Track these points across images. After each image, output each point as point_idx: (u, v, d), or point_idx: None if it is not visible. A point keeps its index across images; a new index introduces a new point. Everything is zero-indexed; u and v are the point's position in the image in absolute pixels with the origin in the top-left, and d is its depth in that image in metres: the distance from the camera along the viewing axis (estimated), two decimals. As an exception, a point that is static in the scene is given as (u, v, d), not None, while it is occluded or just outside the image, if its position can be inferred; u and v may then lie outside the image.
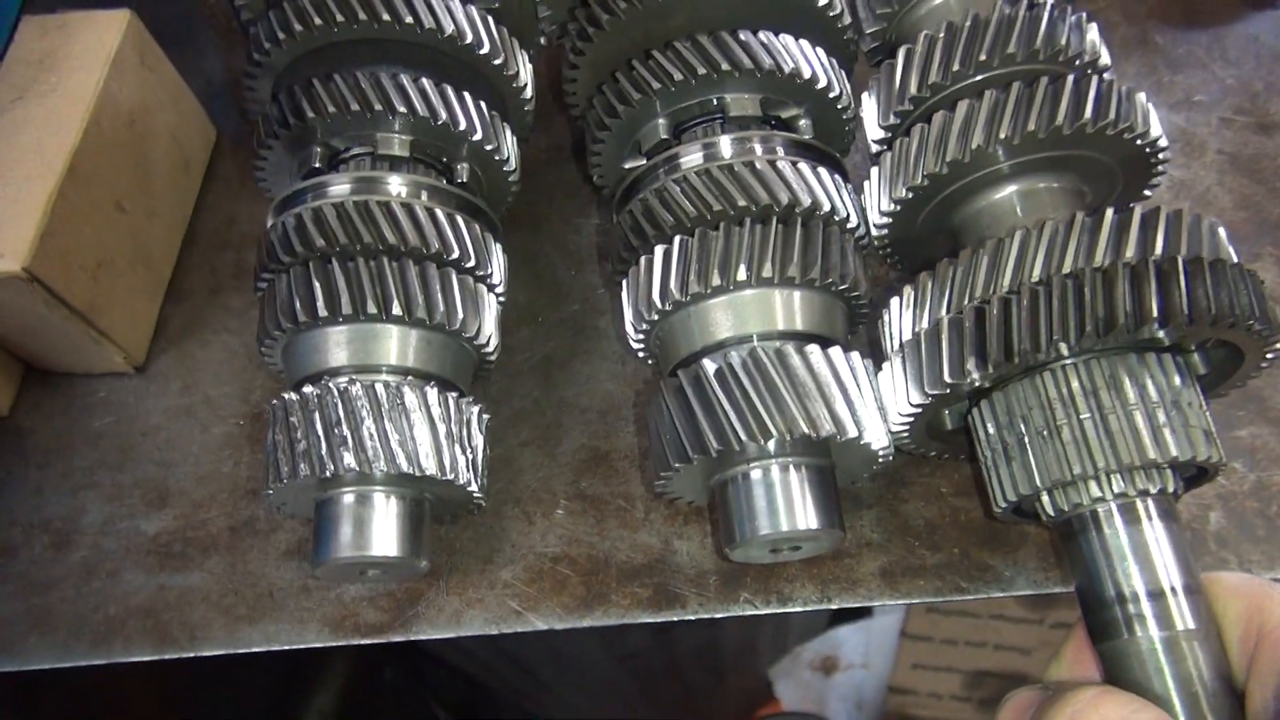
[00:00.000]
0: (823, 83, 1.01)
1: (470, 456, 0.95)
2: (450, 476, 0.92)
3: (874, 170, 0.98)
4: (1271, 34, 1.28)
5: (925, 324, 0.87)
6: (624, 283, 1.00)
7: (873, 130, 1.01)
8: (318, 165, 1.02)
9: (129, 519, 1.10)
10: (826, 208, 0.94)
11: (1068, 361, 0.81)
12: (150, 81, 1.22)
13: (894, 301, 0.92)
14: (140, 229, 1.19)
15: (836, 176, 0.99)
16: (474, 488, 0.95)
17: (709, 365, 0.89)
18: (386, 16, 0.99)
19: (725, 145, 0.97)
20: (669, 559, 1.02)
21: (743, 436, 0.85)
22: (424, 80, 1.01)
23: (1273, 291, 1.10)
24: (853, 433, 0.86)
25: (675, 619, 0.99)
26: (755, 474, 0.89)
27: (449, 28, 1.01)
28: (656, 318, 0.95)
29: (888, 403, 0.91)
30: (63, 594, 1.06)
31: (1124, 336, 0.77)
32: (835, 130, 1.06)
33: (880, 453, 0.90)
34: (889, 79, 0.97)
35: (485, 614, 1.01)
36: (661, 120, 1.02)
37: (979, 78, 0.92)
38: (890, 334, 0.92)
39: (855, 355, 0.91)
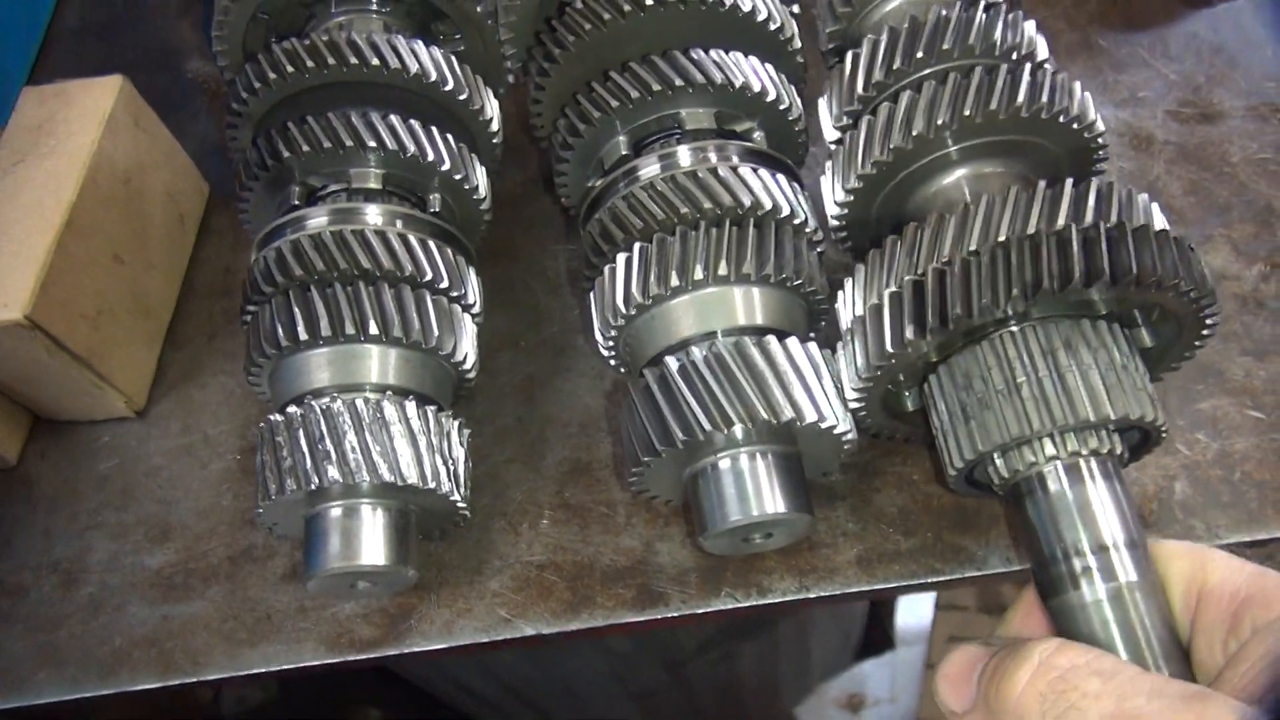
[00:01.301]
0: (772, 95, 1.06)
1: (451, 467, 0.99)
2: (432, 486, 0.96)
3: (828, 164, 1.03)
4: (1210, 30, 1.33)
5: (875, 299, 0.90)
6: (593, 292, 1.04)
7: (829, 132, 1.06)
8: (296, 203, 1.08)
9: (133, 555, 1.14)
10: (779, 209, 0.99)
11: (1009, 330, 0.84)
12: (144, 142, 1.29)
13: (847, 282, 0.96)
14: (138, 279, 1.25)
15: (790, 180, 1.03)
16: (456, 497, 0.98)
17: (672, 362, 0.93)
18: (354, 60, 1.06)
19: (682, 155, 1.02)
20: (651, 560, 1.05)
21: (706, 426, 0.89)
22: (393, 117, 1.07)
23: (1224, 270, 1.13)
24: (811, 417, 0.89)
25: (659, 617, 1.02)
26: (723, 464, 0.92)
27: (414, 68, 1.08)
28: (622, 322, 0.99)
29: (844, 380, 0.94)
30: (71, 630, 1.10)
31: (1051, 298, 0.81)
32: (788, 141, 1.11)
33: (843, 437, 0.93)
34: (839, 81, 1.03)
35: (475, 623, 1.04)
36: (622, 137, 1.08)
37: (920, 73, 0.97)
38: (844, 312, 0.96)
39: (812, 345, 0.95)
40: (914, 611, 3.01)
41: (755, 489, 0.91)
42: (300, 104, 1.10)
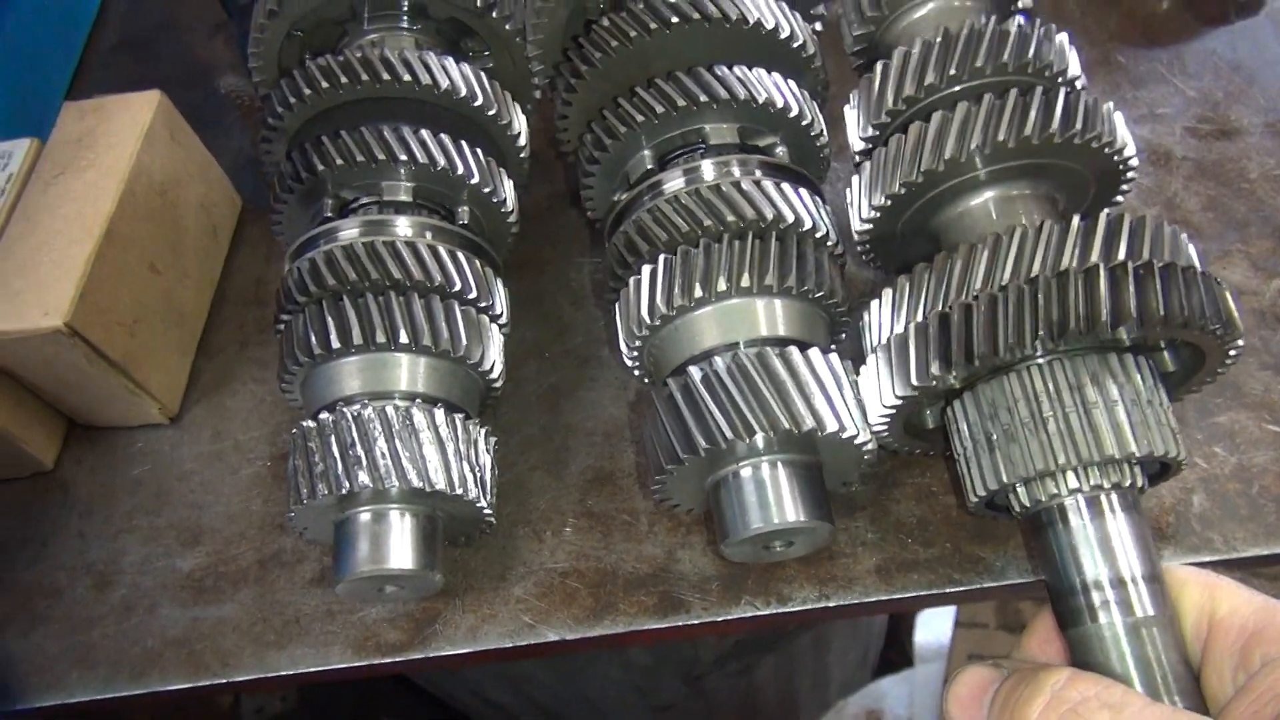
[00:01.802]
0: (795, 111, 1.08)
1: (478, 474, 1.01)
2: (459, 492, 0.98)
3: (854, 179, 1.04)
4: (1228, 47, 1.34)
5: (900, 327, 0.91)
6: (618, 303, 1.06)
7: (855, 142, 1.06)
8: (329, 215, 1.10)
9: (165, 558, 1.16)
10: (801, 222, 1.01)
11: (1037, 362, 0.85)
12: (180, 155, 1.32)
13: (874, 303, 0.97)
14: (173, 289, 1.29)
15: (812, 195, 1.05)
16: (482, 503, 1.00)
17: (695, 372, 0.95)
18: (387, 77, 1.09)
19: (706, 169, 1.05)
20: (672, 568, 1.06)
21: (728, 434, 0.90)
22: (424, 131, 1.10)
23: (1243, 285, 1.14)
24: (832, 427, 0.91)
25: (680, 624, 1.03)
26: (745, 472, 0.94)
27: (444, 84, 1.11)
28: (647, 333, 1.01)
29: (868, 400, 0.95)
30: (104, 630, 1.12)
31: (1079, 339, 0.82)
32: (810, 155, 1.13)
33: (864, 448, 0.95)
34: (867, 92, 1.03)
35: (500, 629, 1.06)
36: (647, 152, 1.10)
37: (951, 90, 0.97)
38: (870, 334, 0.97)
39: (834, 356, 0.96)
40: (933, 629, 3.00)
41: (777, 497, 0.93)
42: (334, 119, 1.13)
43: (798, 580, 1.03)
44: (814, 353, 0.95)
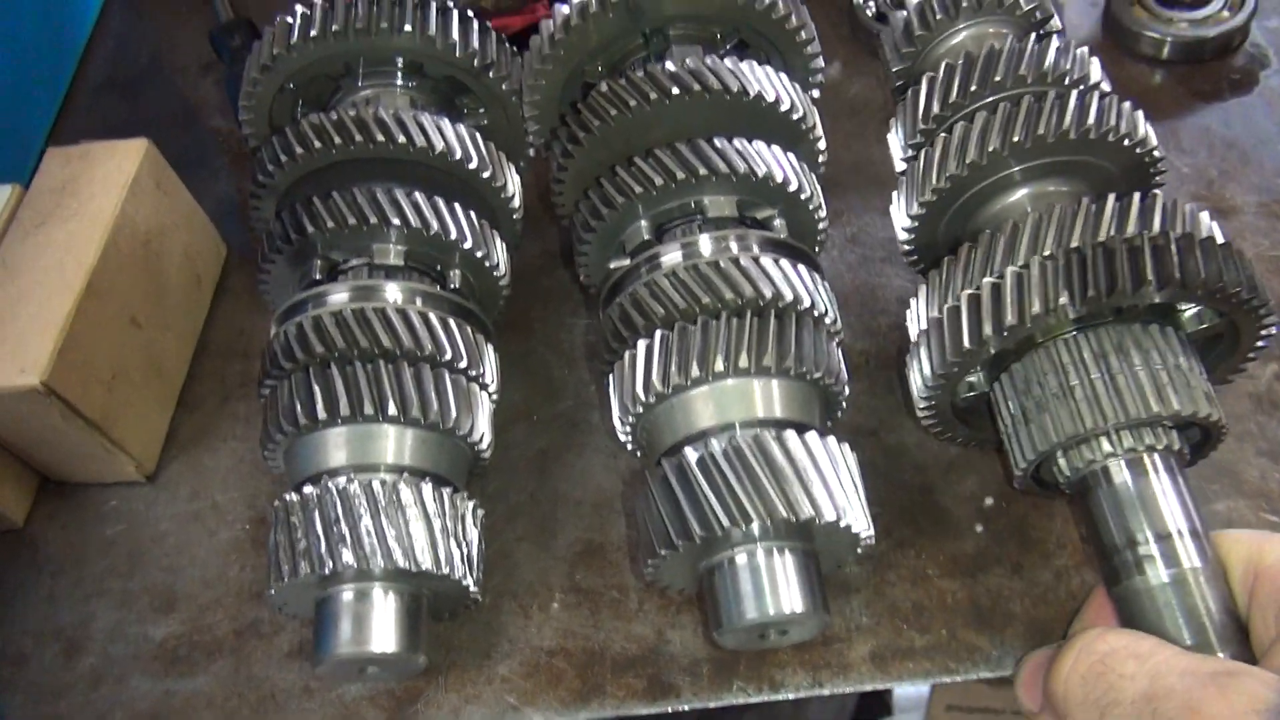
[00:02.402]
0: (794, 185, 1.07)
1: (465, 551, 0.98)
2: (446, 571, 0.95)
3: (900, 182, 1.08)
4: (1221, 124, 1.34)
5: (935, 312, 0.95)
6: (610, 377, 1.04)
7: (899, 151, 1.11)
8: (318, 277, 1.08)
9: (137, 624, 1.13)
10: (800, 300, 0.99)
11: (1078, 331, 0.89)
12: (165, 204, 1.30)
13: (913, 299, 1.02)
14: (153, 342, 1.25)
15: (810, 271, 1.04)
16: (469, 582, 0.98)
17: (691, 454, 0.93)
18: (381, 138, 1.07)
19: (704, 243, 1.03)
20: (663, 649, 1.04)
21: (724, 522, 0.88)
22: (416, 194, 1.08)
23: (1253, 372, 1.13)
24: (830, 515, 0.89)
25: (670, 709, 1.01)
26: (740, 559, 0.92)
27: (439, 145, 1.09)
28: (641, 410, 0.99)
29: (912, 386, 0.98)
30: (71, 701, 1.08)
31: (1124, 299, 0.84)
32: (808, 230, 1.12)
33: (861, 535, 0.93)
34: (914, 103, 1.08)
35: (483, 710, 1.03)
36: (644, 222, 1.08)
37: (994, 97, 1.02)
38: (915, 321, 1.00)
39: (831, 440, 0.95)
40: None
41: (772, 586, 0.90)
42: (325, 178, 1.10)
43: (790, 666, 1.01)
44: (811, 437, 0.93)
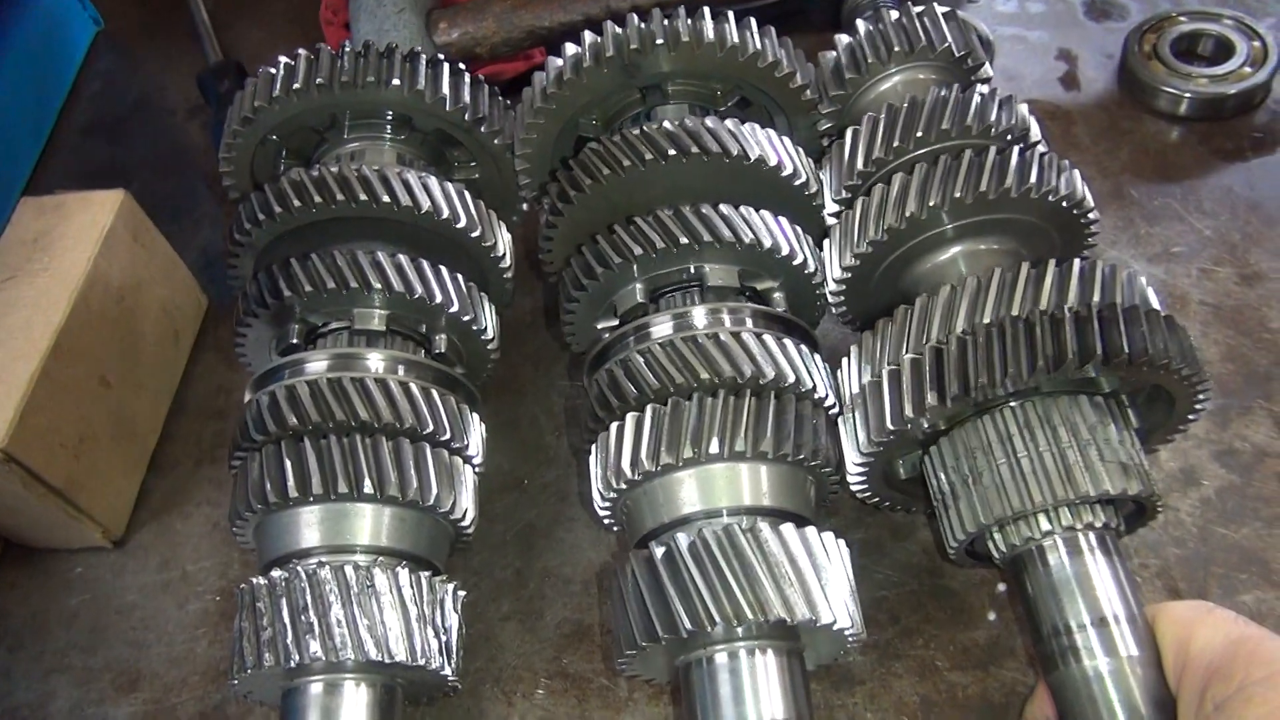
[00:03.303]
0: (799, 259, 1.02)
1: (443, 639, 0.92)
2: (421, 662, 0.89)
3: (826, 241, 1.05)
4: (1244, 185, 1.29)
5: (869, 376, 0.92)
6: (592, 449, 0.98)
7: (830, 197, 1.08)
8: (295, 341, 1.03)
9: (98, 705, 1.07)
10: (800, 382, 0.93)
11: (1013, 403, 0.86)
12: (142, 257, 1.25)
13: (845, 359, 0.98)
14: (125, 402, 1.20)
15: (804, 348, 0.98)
16: (447, 671, 0.91)
17: (674, 542, 0.86)
18: (364, 197, 1.02)
19: (696, 316, 0.98)
20: (653, 743, 0.97)
21: (689, 624, 0.82)
22: (400, 256, 1.03)
23: (1266, 446, 1.08)
24: (805, 615, 0.82)
25: (660, 809, 0.94)
26: (720, 658, 0.85)
27: (425, 205, 1.04)
28: (625, 487, 0.93)
29: (846, 452, 0.94)
30: (24, 788, 1.02)
31: (1068, 374, 0.82)
32: (806, 300, 1.06)
33: (850, 637, 0.86)
34: (839, 157, 1.06)
35: (461, 806, 0.96)
36: (639, 284, 1.03)
37: (917, 152, 1.00)
38: (847, 384, 0.97)
39: (817, 533, 0.88)
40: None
41: (753, 689, 0.84)
42: (305, 236, 1.05)
43: (789, 765, 0.94)
44: (789, 529, 0.86)
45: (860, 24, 1.14)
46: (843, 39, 1.14)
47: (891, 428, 0.88)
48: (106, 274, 1.18)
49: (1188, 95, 1.36)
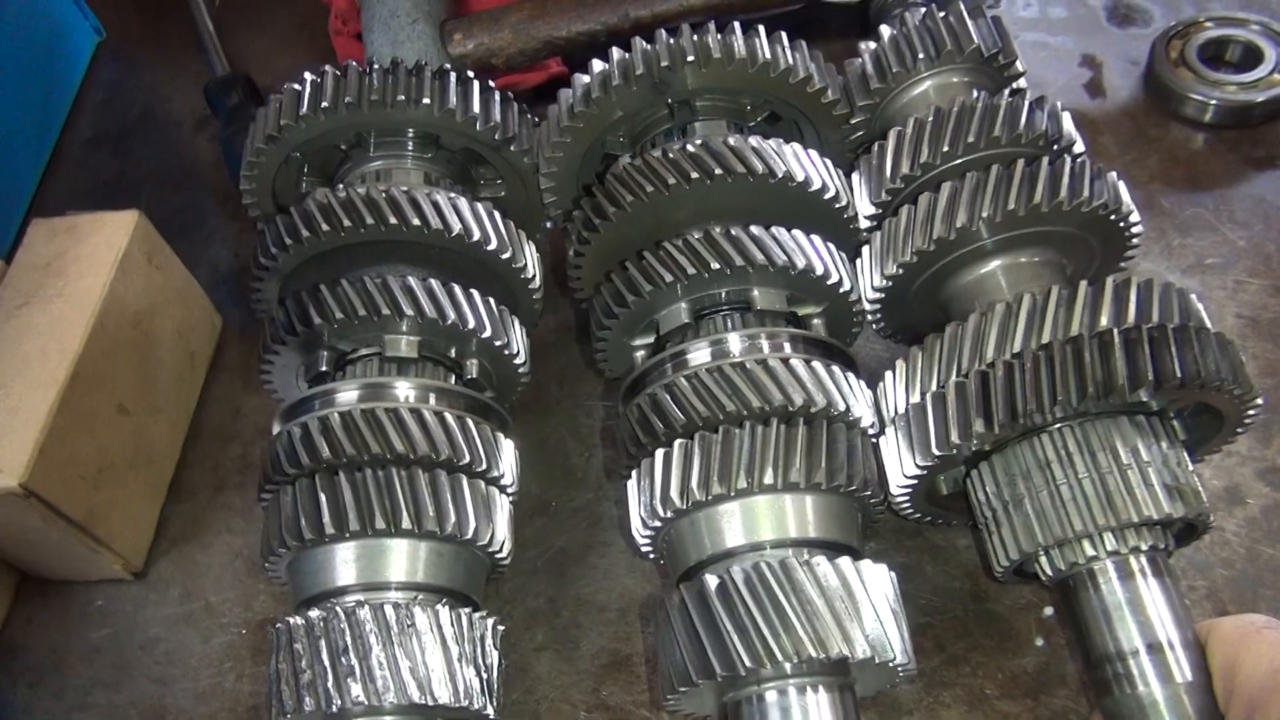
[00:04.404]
0: (845, 285, 1.00)
1: (485, 678, 0.90)
2: (464, 703, 0.86)
3: (865, 249, 1.03)
4: (1276, 194, 1.27)
5: (916, 397, 0.91)
6: (630, 483, 0.96)
7: (864, 208, 1.05)
8: (325, 369, 1.00)
9: (123, 745, 1.04)
10: (833, 405, 0.91)
11: (1062, 425, 0.85)
12: (157, 280, 1.22)
13: (889, 375, 0.96)
14: (143, 429, 1.17)
15: (846, 372, 0.96)
16: (490, 710, 0.89)
17: (712, 580, 0.84)
18: (394, 220, 0.99)
19: (733, 342, 0.95)
20: (699, 777, 0.95)
21: (748, 662, 0.80)
22: (431, 281, 1.00)
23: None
24: (864, 653, 0.80)
25: (708, 847, 0.92)
26: (770, 696, 0.83)
27: (456, 227, 1.01)
28: (672, 515, 0.91)
29: (889, 471, 0.93)
30: (49, 832, 0.99)
31: (1119, 399, 0.82)
32: (844, 323, 1.05)
33: (900, 669, 0.84)
34: (880, 159, 1.03)
35: (503, 845, 0.94)
36: (684, 304, 1.01)
37: (965, 159, 0.98)
38: (887, 405, 0.95)
39: (867, 564, 0.86)
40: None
41: None
42: (333, 260, 1.03)
43: (839, 799, 0.92)
44: (844, 562, 0.84)
45: (884, 30, 1.11)
46: (869, 46, 1.12)
47: (938, 453, 0.87)
48: (123, 298, 1.15)
49: (1214, 102, 1.35)
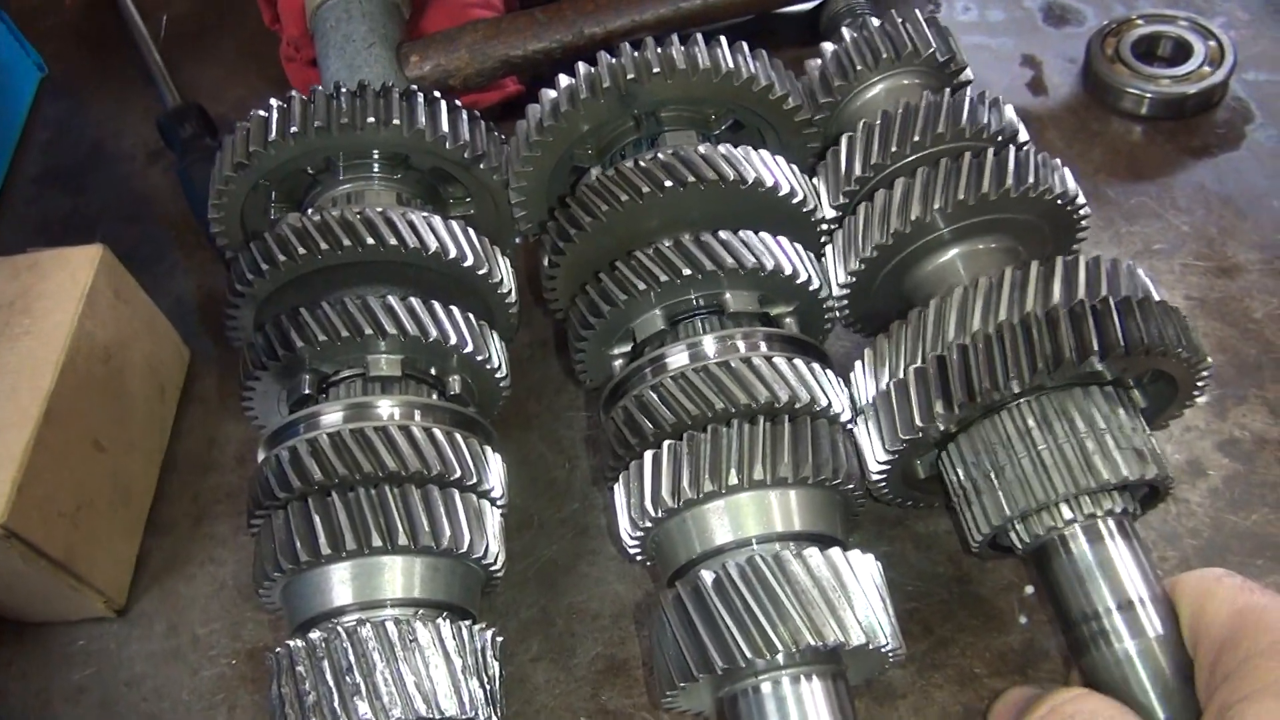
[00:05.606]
0: (815, 284, 1.03)
1: (489, 689, 0.90)
2: (470, 714, 0.87)
3: (829, 248, 1.08)
4: (1215, 181, 1.34)
5: (883, 384, 0.95)
6: (616, 488, 0.98)
7: (825, 210, 1.09)
8: (308, 391, 1.00)
9: (116, 783, 1.02)
10: (815, 401, 0.94)
11: (1022, 400, 0.89)
12: (124, 314, 1.20)
13: (858, 365, 1.00)
14: (119, 464, 1.16)
15: (820, 367, 0.99)
16: (495, 720, 0.90)
17: (706, 576, 0.86)
18: (371, 240, 0.99)
19: (709, 343, 0.97)
20: (703, 776, 0.96)
21: (748, 654, 0.81)
22: (412, 299, 1.01)
23: (1264, 433, 1.11)
24: (859, 640, 0.83)
25: (717, 843, 0.93)
26: (765, 688, 0.84)
27: (432, 245, 1.02)
28: (663, 515, 0.92)
29: (865, 459, 0.97)
30: None
31: (1070, 370, 0.86)
32: (814, 321, 1.08)
33: (890, 654, 0.87)
34: (835, 162, 1.08)
35: None
36: (658, 311, 1.02)
37: (914, 156, 1.03)
38: (858, 395, 1.00)
39: (854, 554, 0.88)
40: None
41: (801, 716, 0.84)
42: (310, 283, 1.03)
43: (843, 785, 0.94)
44: (834, 553, 0.86)
45: (845, 31, 1.16)
46: (827, 47, 1.16)
47: (904, 436, 0.91)
48: (92, 333, 1.13)
49: (1149, 95, 1.41)
